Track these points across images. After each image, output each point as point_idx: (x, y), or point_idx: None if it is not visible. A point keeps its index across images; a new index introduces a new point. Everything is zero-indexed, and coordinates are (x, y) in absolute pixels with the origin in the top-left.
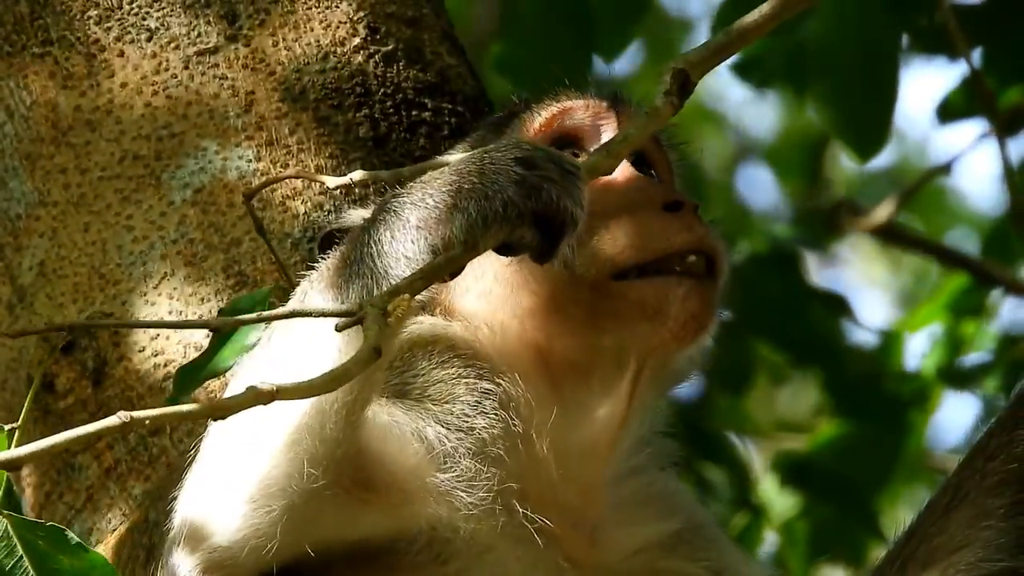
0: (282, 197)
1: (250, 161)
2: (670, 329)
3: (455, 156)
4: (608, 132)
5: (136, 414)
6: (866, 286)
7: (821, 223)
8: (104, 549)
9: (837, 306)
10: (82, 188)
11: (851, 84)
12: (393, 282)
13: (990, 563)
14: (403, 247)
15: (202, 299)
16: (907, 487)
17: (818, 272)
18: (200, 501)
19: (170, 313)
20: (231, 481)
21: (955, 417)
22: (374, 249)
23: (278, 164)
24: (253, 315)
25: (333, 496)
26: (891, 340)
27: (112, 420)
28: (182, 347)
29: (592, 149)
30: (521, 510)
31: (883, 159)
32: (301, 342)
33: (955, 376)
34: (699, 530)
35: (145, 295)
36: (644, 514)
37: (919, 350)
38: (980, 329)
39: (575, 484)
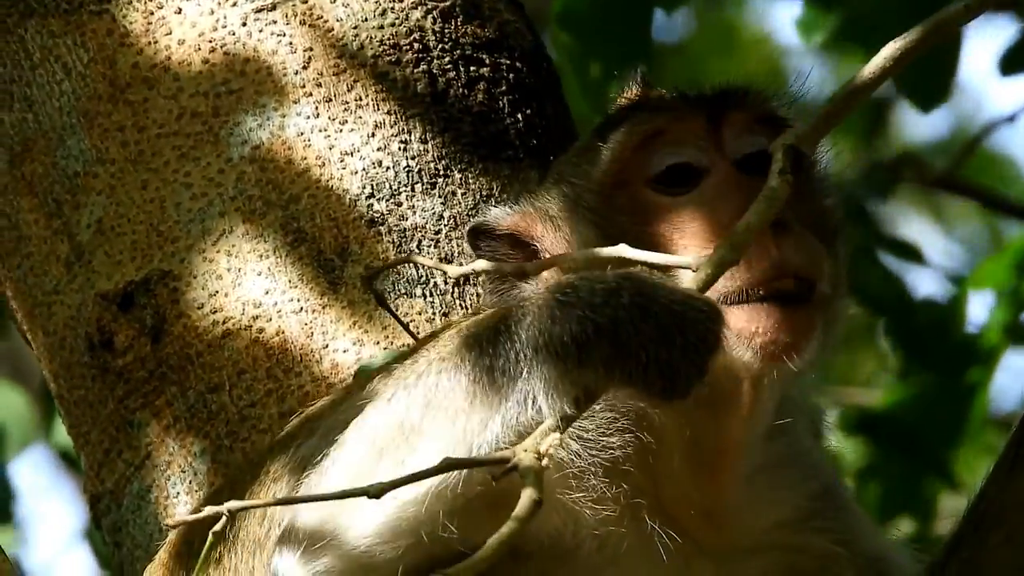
0: (341, 154)
1: (308, 118)
2: (763, 358)
3: (574, 254)
4: (711, 159)
5: None
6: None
7: (885, 176)
8: (172, 542)
9: (910, 254)
10: (140, 145)
11: None
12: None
13: None
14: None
15: (260, 256)
16: (978, 446)
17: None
18: (325, 509)
19: (228, 270)
20: (361, 504)
21: (1018, 378)
22: (523, 368)
23: (336, 120)
24: (408, 475)
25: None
26: (958, 295)
27: None
28: (241, 304)
29: (713, 246)
30: (649, 523)
31: (944, 119)
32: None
33: (1020, 334)
34: (829, 496)
35: (203, 252)
36: (778, 487)
37: (982, 308)
38: None
39: (707, 485)
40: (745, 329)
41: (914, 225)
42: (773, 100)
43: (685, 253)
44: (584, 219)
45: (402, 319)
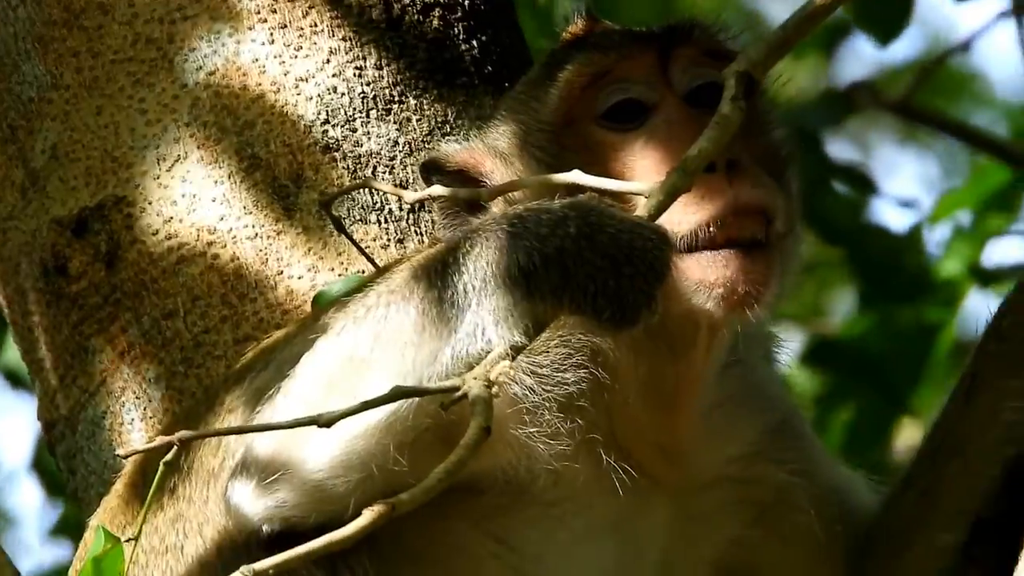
0: (296, 80)
1: (263, 44)
2: (725, 306)
3: (529, 179)
4: (660, 93)
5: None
6: (895, 174)
7: (839, 102)
8: (128, 472)
9: (861, 181)
10: (95, 71)
11: None
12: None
13: (1008, 446)
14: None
15: (215, 182)
16: (941, 382)
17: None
18: (278, 441)
19: (183, 196)
20: (313, 437)
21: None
22: (472, 299)
23: (291, 47)
24: (358, 404)
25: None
26: (917, 225)
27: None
28: (195, 230)
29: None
30: (605, 458)
31: (909, 48)
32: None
33: (983, 273)
34: (785, 427)
35: (158, 178)
36: (734, 420)
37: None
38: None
39: (663, 421)
40: (705, 278)
41: (888, 144)
42: (720, 34)
43: None
44: (534, 157)
45: (359, 244)
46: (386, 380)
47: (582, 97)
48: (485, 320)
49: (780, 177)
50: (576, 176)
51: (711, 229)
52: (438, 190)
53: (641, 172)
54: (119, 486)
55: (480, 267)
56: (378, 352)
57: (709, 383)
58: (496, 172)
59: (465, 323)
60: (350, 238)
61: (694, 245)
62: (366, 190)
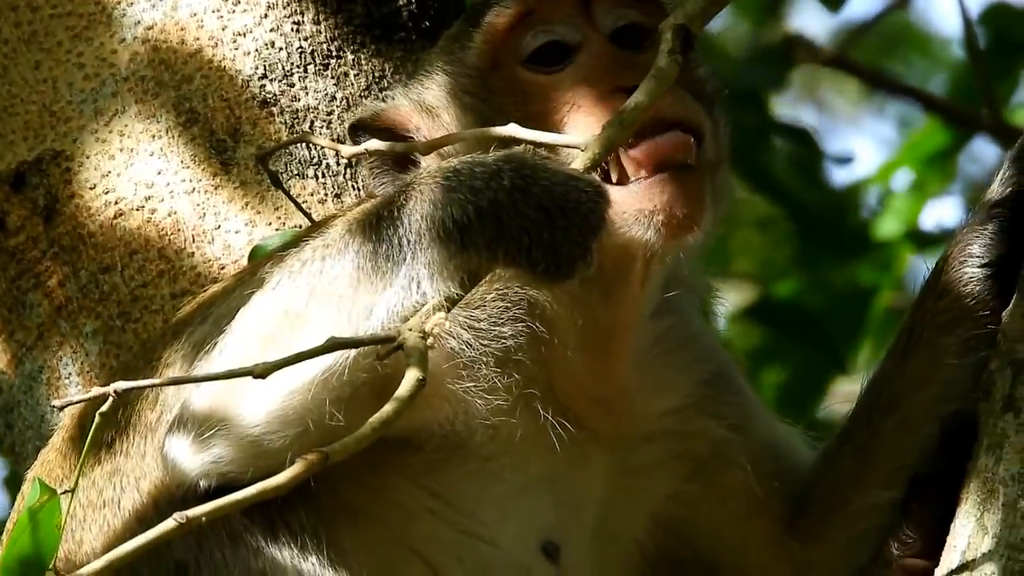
0: (233, 35)
1: None
2: (664, 232)
3: (465, 132)
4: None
5: (192, 513)
6: (853, 134)
7: (776, 58)
8: (67, 425)
9: (802, 139)
10: (33, 25)
11: None
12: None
13: (945, 403)
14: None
15: (153, 136)
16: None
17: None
18: (214, 396)
19: (120, 150)
20: (249, 391)
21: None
22: (407, 253)
23: (229, 1)
24: (293, 355)
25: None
26: (857, 183)
27: (169, 524)
28: (133, 184)
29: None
30: (543, 412)
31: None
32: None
33: (921, 237)
34: (722, 380)
35: (96, 132)
36: (669, 371)
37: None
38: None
39: (600, 370)
40: (640, 206)
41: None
42: None
43: (567, 129)
44: (463, 104)
45: (296, 200)
46: (321, 334)
47: (507, 40)
48: (420, 273)
49: (708, 109)
50: (512, 129)
51: (641, 160)
52: (375, 144)
53: (570, 112)
54: (56, 439)
55: (414, 220)
56: (313, 306)
57: (644, 327)
58: (424, 127)
59: (400, 276)
60: (287, 193)
61: (626, 178)
62: (303, 145)
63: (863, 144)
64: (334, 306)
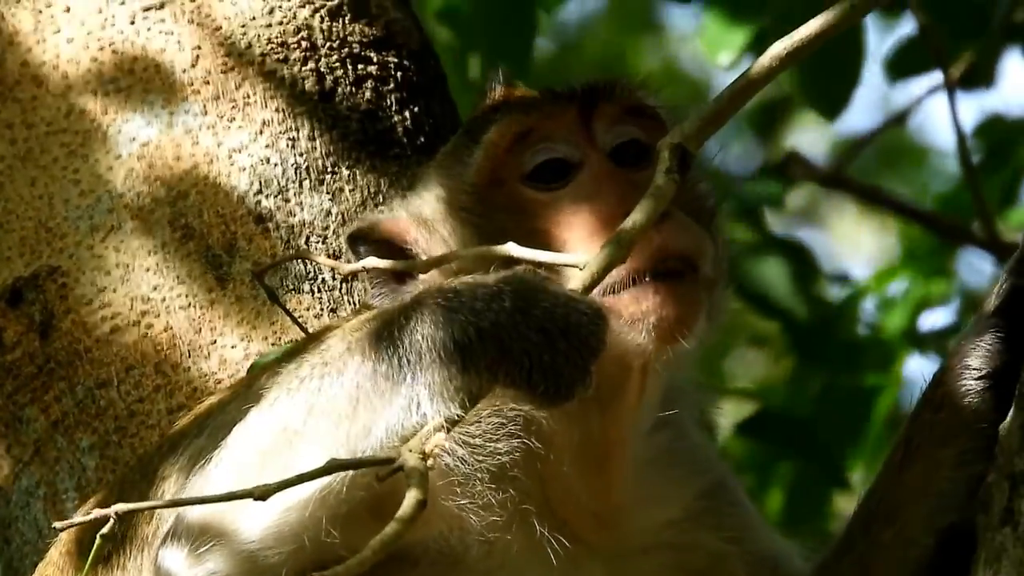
0: (229, 151)
1: (197, 115)
2: (656, 337)
3: (464, 251)
4: (583, 152)
5: None
6: (852, 253)
7: (773, 175)
8: (64, 540)
9: (799, 255)
10: (29, 143)
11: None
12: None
13: (942, 515)
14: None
15: (148, 252)
16: (880, 450)
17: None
18: (211, 510)
19: (116, 266)
20: (246, 507)
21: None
22: (407, 373)
23: (224, 118)
24: (293, 477)
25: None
26: (852, 296)
27: None
28: (129, 300)
29: (600, 244)
30: (538, 527)
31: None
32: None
33: (918, 338)
34: (720, 491)
35: (92, 248)
36: (668, 483)
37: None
38: (944, 287)
39: (595, 484)
40: (634, 311)
41: (846, 224)
42: (641, 91)
43: (566, 248)
44: (461, 220)
45: (292, 314)
46: (320, 452)
47: (507, 158)
48: (420, 394)
49: (707, 226)
50: (511, 248)
51: (642, 275)
52: (373, 261)
53: (570, 230)
54: (54, 553)
55: (415, 341)
56: (312, 424)
57: (640, 439)
58: (421, 239)
59: (400, 396)
60: (283, 308)
61: (621, 288)
62: (299, 260)
63: (862, 259)
64: (333, 424)
